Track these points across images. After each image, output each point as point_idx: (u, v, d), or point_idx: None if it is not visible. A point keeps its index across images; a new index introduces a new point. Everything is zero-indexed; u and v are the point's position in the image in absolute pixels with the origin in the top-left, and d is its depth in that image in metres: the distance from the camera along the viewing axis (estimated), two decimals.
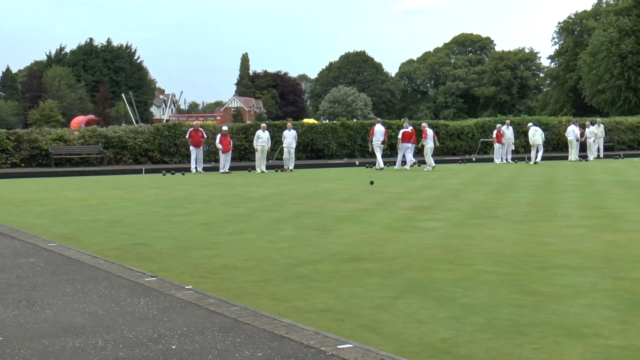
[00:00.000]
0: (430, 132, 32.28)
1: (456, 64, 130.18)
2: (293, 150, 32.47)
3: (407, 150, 32.59)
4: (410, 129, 32.84)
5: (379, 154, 32.90)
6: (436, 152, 41.26)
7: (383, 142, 33.06)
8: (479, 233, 11.74)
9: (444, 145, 42.16)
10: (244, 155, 36.84)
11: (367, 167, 33.66)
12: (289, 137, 32.45)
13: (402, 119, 50.17)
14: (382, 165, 32.58)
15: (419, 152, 33.48)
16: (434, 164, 31.49)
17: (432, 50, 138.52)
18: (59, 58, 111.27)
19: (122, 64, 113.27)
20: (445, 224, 12.96)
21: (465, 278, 8.25)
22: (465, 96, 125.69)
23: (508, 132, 37.56)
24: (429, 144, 31.88)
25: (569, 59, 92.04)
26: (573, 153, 38.12)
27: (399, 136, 32.82)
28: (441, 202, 16.93)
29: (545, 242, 10.71)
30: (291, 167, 32.18)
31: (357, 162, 36.07)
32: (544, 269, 8.77)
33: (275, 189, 21.45)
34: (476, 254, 9.81)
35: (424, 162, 32.59)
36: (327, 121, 62.59)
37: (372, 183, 23.03)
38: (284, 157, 32.65)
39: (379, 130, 33.16)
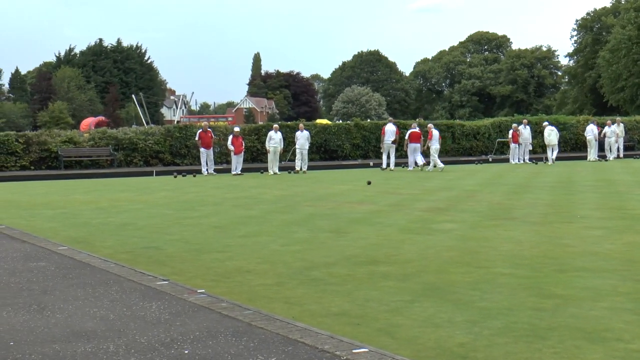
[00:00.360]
0: (436, 133, 32.33)
1: (472, 62, 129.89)
2: (306, 152, 32.47)
3: (415, 151, 32.84)
4: (417, 129, 33.23)
5: (385, 154, 33.08)
6: (452, 153, 41.35)
7: (394, 142, 33.04)
8: (496, 235, 11.71)
9: (460, 145, 42.10)
10: (256, 157, 36.88)
11: (381, 168, 33.61)
12: (302, 138, 32.47)
13: (417, 119, 50.18)
14: (384, 166, 32.91)
15: (426, 154, 33.46)
16: (440, 165, 31.63)
17: (447, 49, 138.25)
18: (68, 59, 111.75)
19: (132, 64, 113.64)
20: (462, 225, 12.93)
21: (483, 281, 8.23)
22: (481, 95, 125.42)
23: (525, 132, 37.41)
24: (435, 145, 31.97)
25: (588, 57, 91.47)
26: (592, 153, 37.96)
27: (406, 137, 33.02)
28: (457, 203, 16.89)
29: (564, 244, 10.67)
30: (304, 169, 32.20)
31: (371, 163, 36.06)
32: (563, 271, 8.74)
33: (288, 191, 21.47)
34: (493, 256, 9.79)
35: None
36: (340, 122, 62.55)
37: (369, 183, 23.33)
38: (296, 158, 32.65)
39: (390, 130, 33.21)
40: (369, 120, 50.43)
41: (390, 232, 12.30)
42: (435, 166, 31.71)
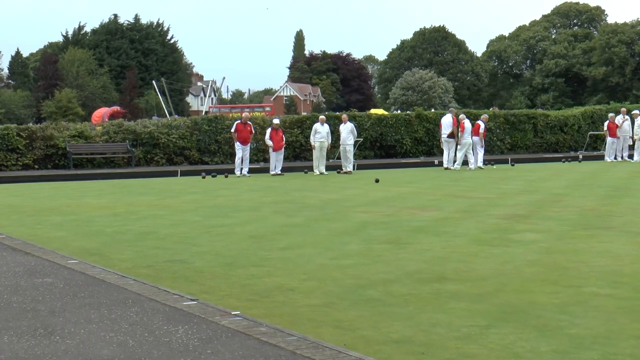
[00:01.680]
0: (468, 125, 32.29)
1: (557, 39, 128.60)
2: (350, 147, 32.15)
3: (476, 146, 33.28)
4: (479, 121, 33.81)
5: (446, 151, 33.06)
6: (534, 149, 41.05)
7: (451, 135, 32.90)
8: (589, 247, 11.59)
9: (544, 139, 41.84)
10: (299, 154, 37.03)
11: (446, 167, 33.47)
12: (344, 132, 32.24)
13: (491, 108, 49.88)
14: (445, 164, 32.83)
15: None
16: (458, 167, 32.09)
17: (527, 24, 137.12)
18: (77, 39, 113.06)
19: (152, 45, 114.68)
20: (547, 236, 12.83)
21: (573, 303, 8.15)
22: (568, 77, 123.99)
23: (625, 123, 36.99)
24: (466, 139, 32.00)
25: None
26: None
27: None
28: (541, 209, 16.76)
29: None
30: (349, 168, 31.85)
31: (436, 162, 35.99)
32: None
33: (337, 194, 21.49)
34: (586, 273, 9.69)
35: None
36: (399, 112, 62.49)
37: (377, 181, 24.17)
38: (341, 155, 32.57)
39: (446, 122, 33.17)
40: (433, 110, 50.31)
41: (459, 243, 12.25)
42: (459, 164, 32.11)
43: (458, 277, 9.57)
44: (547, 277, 9.46)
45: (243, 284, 9.49)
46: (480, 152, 33.50)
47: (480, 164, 33.15)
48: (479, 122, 34.08)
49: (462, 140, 32.20)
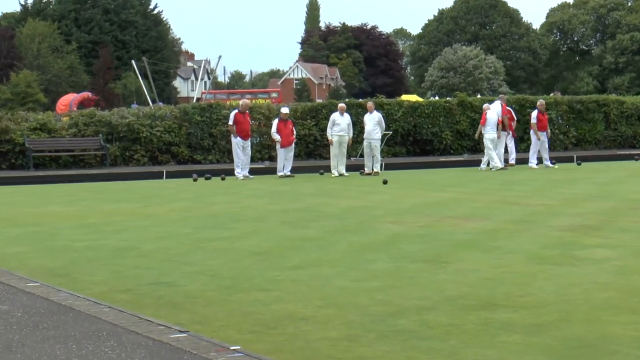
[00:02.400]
0: (492, 116, 32.16)
1: (634, 7, 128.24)
2: (377, 143, 31.97)
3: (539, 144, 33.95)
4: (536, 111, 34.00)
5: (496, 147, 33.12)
6: (605, 143, 40.94)
7: (502, 127, 32.91)
8: None
9: (617, 132, 41.75)
10: (313, 151, 37.03)
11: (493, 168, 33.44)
12: (369, 124, 32.00)
13: (552, 94, 49.82)
14: (497, 164, 32.75)
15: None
16: (497, 163, 32.43)
17: None
18: (39, 9, 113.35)
19: (131, 16, 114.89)
20: (622, 252, 12.79)
21: None
22: None
23: None
24: (490, 133, 31.86)
25: None
26: None
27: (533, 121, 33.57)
28: (615, 219, 16.72)
29: None
30: (377, 169, 31.73)
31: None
32: None
33: (361, 201, 21.50)
34: None
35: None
36: (437, 98, 62.46)
37: (385, 182, 25.08)
38: (364, 152, 32.39)
39: (496, 110, 33.20)
40: (479, 96, 50.22)
41: (513, 261, 12.23)
42: (488, 164, 32.13)
43: (511, 304, 9.55)
44: (623, 304, 9.43)
45: (245, 312, 9.49)
46: (535, 147, 33.49)
47: (532, 163, 33.12)
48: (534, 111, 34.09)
49: (486, 135, 32.08)
